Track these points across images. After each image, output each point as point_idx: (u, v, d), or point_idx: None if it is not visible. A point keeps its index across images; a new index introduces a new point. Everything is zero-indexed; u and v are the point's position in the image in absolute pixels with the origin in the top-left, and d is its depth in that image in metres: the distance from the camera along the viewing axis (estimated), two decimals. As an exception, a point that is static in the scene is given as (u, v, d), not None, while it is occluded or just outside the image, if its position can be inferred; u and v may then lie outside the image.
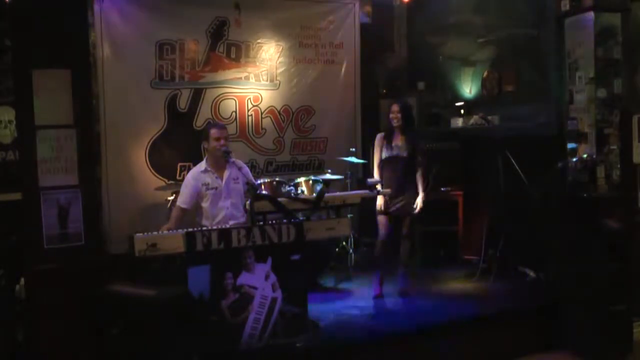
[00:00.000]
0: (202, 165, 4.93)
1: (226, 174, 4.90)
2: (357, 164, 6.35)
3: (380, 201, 5.26)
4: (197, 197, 4.83)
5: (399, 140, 5.30)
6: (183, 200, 4.82)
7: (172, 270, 4.07)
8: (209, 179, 4.86)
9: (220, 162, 4.89)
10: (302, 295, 4.23)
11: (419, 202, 5.28)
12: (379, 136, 5.43)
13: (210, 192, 4.84)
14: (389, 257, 5.38)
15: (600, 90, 4.66)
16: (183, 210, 4.81)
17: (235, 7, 6.17)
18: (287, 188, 5.55)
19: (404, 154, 5.27)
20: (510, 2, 6.34)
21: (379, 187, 5.28)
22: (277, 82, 6.49)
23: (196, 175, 4.88)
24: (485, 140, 6.24)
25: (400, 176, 5.26)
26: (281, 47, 6.46)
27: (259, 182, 5.39)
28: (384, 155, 5.31)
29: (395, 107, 5.31)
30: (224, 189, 4.86)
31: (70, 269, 3.64)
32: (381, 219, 5.31)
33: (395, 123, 5.29)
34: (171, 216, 4.89)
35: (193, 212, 4.96)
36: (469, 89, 6.95)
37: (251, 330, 4.01)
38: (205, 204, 4.85)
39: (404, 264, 5.41)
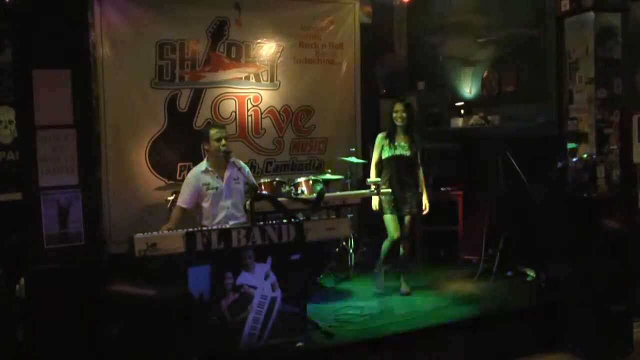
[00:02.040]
0: (203, 165, 4.95)
1: (227, 174, 4.91)
2: (357, 164, 6.35)
3: (375, 201, 5.27)
4: (198, 197, 4.84)
5: (401, 140, 5.31)
6: (183, 199, 4.83)
7: (172, 270, 4.07)
8: (209, 178, 4.88)
9: (221, 162, 4.90)
10: (302, 295, 4.23)
11: (425, 203, 5.31)
12: (380, 135, 5.44)
13: (211, 192, 4.85)
14: (395, 256, 5.43)
15: (600, 90, 4.66)
16: (183, 210, 4.82)
17: (235, 7, 6.17)
18: (287, 188, 5.56)
19: (407, 153, 5.28)
20: (510, 2, 6.34)
21: (373, 187, 5.30)
22: (277, 82, 6.49)
23: (197, 175, 4.90)
24: (485, 140, 6.24)
25: (403, 175, 5.27)
26: (281, 47, 6.46)
27: (258, 182, 5.40)
28: (387, 154, 5.32)
29: (399, 107, 5.32)
30: (224, 189, 4.87)
31: (70, 269, 3.64)
32: (389, 218, 5.30)
33: (399, 122, 5.30)
34: (171, 216, 4.89)
35: (193, 212, 4.97)
36: (469, 89, 6.95)
37: (250, 330, 4.02)
38: (205, 204, 4.86)
39: (405, 265, 5.42)
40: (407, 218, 5.35)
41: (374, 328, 4.55)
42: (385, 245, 5.36)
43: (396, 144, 5.31)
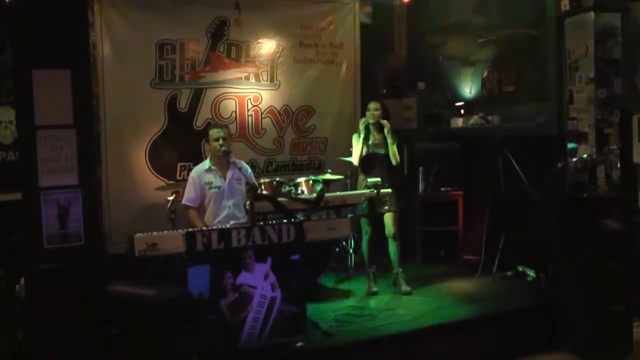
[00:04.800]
0: (206, 164, 4.98)
1: (229, 174, 4.93)
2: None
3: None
4: (201, 195, 4.86)
5: (375, 138, 5.40)
6: (189, 198, 4.87)
7: (172, 270, 4.08)
8: (212, 177, 4.90)
9: (223, 162, 4.93)
10: (301, 295, 4.23)
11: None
12: (355, 135, 5.54)
13: (213, 191, 4.87)
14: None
15: (600, 91, 4.66)
16: (190, 208, 4.85)
17: (235, 7, 6.17)
18: (287, 188, 5.56)
19: (382, 151, 5.35)
20: (510, 2, 6.34)
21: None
22: (277, 82, 6.49)
23: (200, 173, 4.94)
24: (485, 140, 6.24)
25: (378, 173, 5.33)
26: (281, 47, 6.46)
27: (259, 182, 5.40)
28: (362, 152, 5.41)
29: (374, 105, 5.43)
30: (226, 188, 4.90)
31: (70, 268, 3.64)
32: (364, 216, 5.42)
33: (371, 120, 5.39)
34: (189, 219, 4.90)
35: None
36: (469, 89, 6.95)
37: (250, 329, 4.02)
38: (207, 203, 4.88)
39: (398, 265, 5.41)
40: (387, 216, 5.35)
41: (374, 328, 4.55)
42: (364, 245, 5.45)
43: (370, 142, 5.37)
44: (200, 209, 4.93)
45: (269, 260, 4.08)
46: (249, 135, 6.39)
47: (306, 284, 4.45)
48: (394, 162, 5.35)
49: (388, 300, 5.21)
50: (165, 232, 4.02)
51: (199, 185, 4.88)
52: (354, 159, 5.47)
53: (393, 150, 5.32)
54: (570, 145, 4.84)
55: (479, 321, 4.78)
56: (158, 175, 5.91)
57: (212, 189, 4.88)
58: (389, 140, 5.31)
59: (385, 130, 5.32)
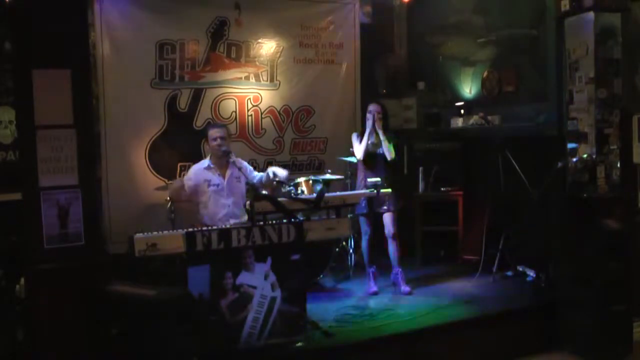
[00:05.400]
0: (206, 162, 5.02)
1: (228, 172, 4.96)
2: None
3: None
4: (196, 192, 4.88)
5: (374, 138, 5.40)
6: (181, 184, 4.96)
7: (172, 270, 4.07)
8: (211, 175, 4.92)
9: (222, 161, 4.95)
10: (301, 295, 4.23)
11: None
12: (354, 135, 5.56)
13: (212, 189, 4.89)
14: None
15: (600, 90, 4.66)
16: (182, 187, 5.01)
17: (235, 7, 6.17)
18: (287, 188, 5.55)
19: (379, 150, 5.35)
20: (510, 2, 6.34)
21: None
22: (277, 82, 6.49)
23: (198, 171, 4.97)
24: (485, 140, 6.25)
25: (377, 173, 5.34)
26: (281, 47, 6.46)
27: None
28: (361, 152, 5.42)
29: (377, 108, 5.42)
30: (225, 186, 4.91)
31: (70, 268, 3.64)
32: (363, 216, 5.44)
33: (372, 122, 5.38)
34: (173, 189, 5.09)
35: (194, 210, 4.99)
36: (469, 89, 6.95)
37: (250, 329, 4.02)
38: (206, 200, 4.89)
39: (397, 265, 5.41)
40: (386, 216, 5.35)
41: (374, 328, 4.55)
42: (363, 245, 5.45)
43: (369, 142, 5.39)
44: (199, 207, 4.94)
45: (269, 260, 4.08)
46: (249, 135, 6.39)
47: (306, 284, 4.46)
48: (388, 157, 5.35)
49: (388, 300, 5.21)
50: (165, 232, 4.01)
51: (195, 180, 4.93)
52: (358, 154, 5.46)
53: (386, 144, 5.34)
54: (570, 145, 4.84)
55: (479, 321, 4.78)
56: (158, 175, 5.91)
57: (211, 186, 4.91)
58: (383, 138, 5.34)
59: (381, 134, 5.33)
